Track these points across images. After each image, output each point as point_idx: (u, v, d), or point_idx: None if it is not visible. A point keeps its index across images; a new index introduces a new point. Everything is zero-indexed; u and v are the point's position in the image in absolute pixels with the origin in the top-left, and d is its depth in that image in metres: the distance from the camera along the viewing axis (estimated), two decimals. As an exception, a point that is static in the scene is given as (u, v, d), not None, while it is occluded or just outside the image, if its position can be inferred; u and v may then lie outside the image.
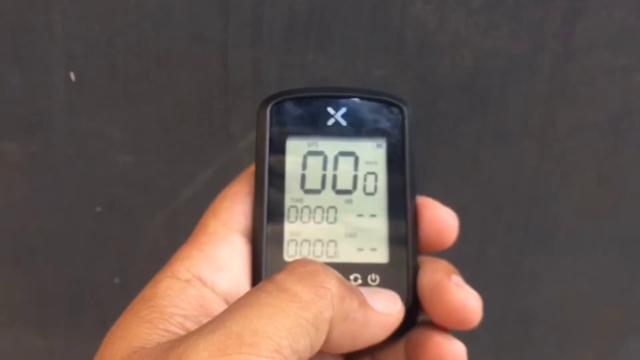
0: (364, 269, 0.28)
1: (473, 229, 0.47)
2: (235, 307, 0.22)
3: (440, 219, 0.28)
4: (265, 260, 0.28)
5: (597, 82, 0.43)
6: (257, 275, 0.28)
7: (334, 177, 0.29)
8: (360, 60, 0.42)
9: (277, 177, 0.29)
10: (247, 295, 0.22)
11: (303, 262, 0.24)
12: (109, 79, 0.41)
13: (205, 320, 0.23)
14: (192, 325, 0.24)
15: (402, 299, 0.27)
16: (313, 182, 0.29)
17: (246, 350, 0.20)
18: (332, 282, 0.23)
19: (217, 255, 0.27)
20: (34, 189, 0.44)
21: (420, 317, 0.29)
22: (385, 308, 0.25)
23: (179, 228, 0.46)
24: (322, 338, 0.22)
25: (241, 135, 0.43)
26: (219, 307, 0.26)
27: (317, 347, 0.22)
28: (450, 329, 0.27)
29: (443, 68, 0.42)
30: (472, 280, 0.48)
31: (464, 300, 0.26)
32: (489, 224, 0.48)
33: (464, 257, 0.47)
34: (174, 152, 0.44)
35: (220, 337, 0.20)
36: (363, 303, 0.24)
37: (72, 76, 0.41)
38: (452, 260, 0.47)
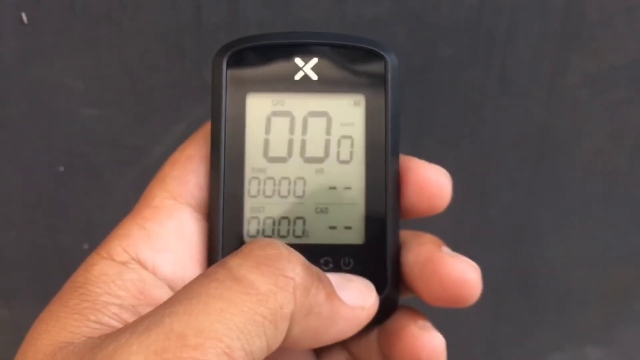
0: (337, 252, 0.25)
1: (474, 186, 0.46)
2: (178, 299, 0.19)
3: (430, 181, 0.25)
4: (221, 241, 0.25)
5: (615, 22, 0.41)
6: (212, 258, 0.25)
7: (303, 143, 0.26)
8: (350, -2, 0.40)
9: (236, 142, 0.25)
10: (193, 283, 0.19)
11: (262, 243, 0.21)
12: (65, 20, 0.39)
13: (144, 310, 0.21)
14: (129, 316, 0.22)
15: (380, 285, 0.24)
16: (278, 149, 0.26)
17: (188, 354, 0.17)
18: (295, 270, 0.20)
19: (161, 234, 0.24)
20: (-14, 148, 0.43)
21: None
22: (357, 301, 0.22)
23: (150, 189, 0.43)
24: (281, 337, 0.20)
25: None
26: (162, 294, 0.23)
27: (274, 347, 0.20)
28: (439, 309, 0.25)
29: (444, 6, 0.40)
30: (472, 242, 0.48)
31: (463, 272, 0.23)
32: (492, 182, 0.46)
33: (463, 218, 0.49)
34: (141, 104, 0.42)
35: (158, 336, 0.18)
36: (331, 295, 0.21)
37: (24, 17, 0.39)
38: (451, 222, 0.47)
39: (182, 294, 0.19)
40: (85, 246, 0.45)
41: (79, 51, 0.40)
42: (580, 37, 0.41)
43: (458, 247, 0.49)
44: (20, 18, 0.39)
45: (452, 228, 0.47)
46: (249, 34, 0.39)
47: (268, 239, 0.21)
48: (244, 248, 0.21)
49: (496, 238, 0.48)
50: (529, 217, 0.48)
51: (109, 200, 0.44)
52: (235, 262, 0.20)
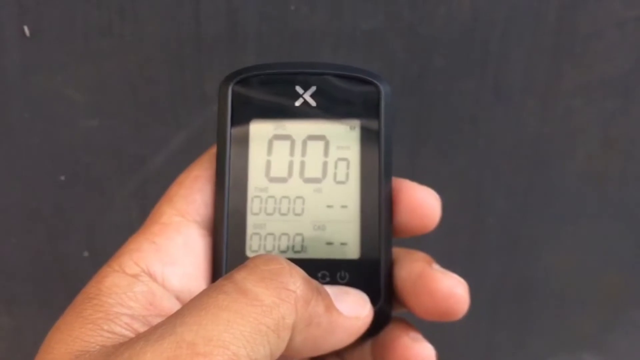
0: (333, 266, 0.26)
1: (470, 195, 0.46)
2: (189, 309, 0.20)
3: (420, 202, 0.27)
4: (225, 255, 0.26)
5: (607, 35, 0.41)
6: (217, 271, 0.26)
7: (302, 164, 0.27)
8: (347, 11, 0.39)
9: (240, 163, 0.27)
10: (202, 295, 0.21)
11: (266, 259, 0.22)
12: (67, 33, 0.39)
13: (154, 321, 0.22)
14: (140, 326, 0.22)
15: (374, 298, 0.25)
16: (279, 170, 0.27)
17: None
18: (297, 284, 0.21)
19: (170, 248, 0.25)
20: (-11, 157, 0.43)
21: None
22: (353, 311, 0.24)
23: (150, 197, 0.44)
24: (283, 345, 0.21)
25: (216, 95, 0.41)
26: (171, 305, 0.24)
27: (277, 356, 0.21)
28: (435, 321, 0.26)
29: (438, 19, 0.40)
30: (468, 250, 0.48)
31: (452, 288, 0.25)
32: (487, 190, 0.46)
33: (459, 226, 0.48)
34: (142, 115, 0.42)
35: (170, 345, 0.19)
36: (329, 306, 0.23)
37: (26, 30, 0.39)
38: (447, 230, 0.47)
39: (192, 306, 0.20)
40: (85, 254, 0.45)
41: (80, 63, 0.40)
42: (572, 49, 0.41)
43: (454, 255, 0.50)
44: (23, 30, 0.39)
45: (449, 236, 0.47)
46: (247, 46, 0.40)
47: (271, 255, 0.22)
48: (248, 263, 0.22)
49: (492, 246, 0.48)
50: (524, 225, 0.48)
51: (110, 208, 0.44)
52: (241, 276, 0.21)
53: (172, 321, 0.20)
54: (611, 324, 0.53)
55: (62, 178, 0.43)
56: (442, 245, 0.47)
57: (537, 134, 0.44)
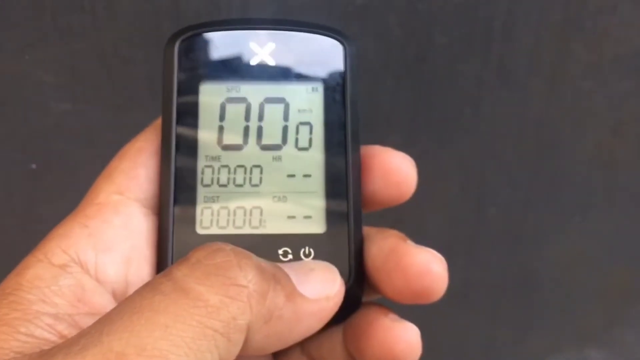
0: (296, 241, 0.25)
1: (471, 183, 0.46)
2: (118, 314, 0.18)
3: (395, 167, 0.25)
4: (172, 234, 0.24)
5: (619, 10, 0.41)
6: (162, 254, 0.24)
7: (259, 129, 0.26)
8: (339, -16, 0.39)
9: (188, 130, 0.25)
10: (135, 296, 0.18)
11: (209, 251, 0.20)
12: (35, 9, 0.38)
13: (83, 321, 0.20)
14: (64, 328, 0.20)
15: (343, 275, 0.23)
16: (233, 136, 0.26)
17: None
18: (248, 277, 0.19)
19: (106, 233, 0.23)
20: (-47, 145, 0.42)
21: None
22: (321, 291, 0.22)
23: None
24: (236, 349, 0.19)
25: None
26: (103, 301, 0.22)
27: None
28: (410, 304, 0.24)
29: None
30: (469, 241, 0.47)
31: (427, 263, 0.23)
32: (490, 178, 0.46)
33: (461, 216, 0.48)
34: (118, 97, 0.41)
35: (95, 357, 0.17)
36: (291, 294, 0.20)
37: None
38: (448, 221, 0.46)
39: (123, 309, 0.18)
40: (61, 249, 0.45)
41: (50, 41, 0.39)
42: (582, 26, 0.41)
43: (455, 247, 0.49)
44: (-14, 6, 0.38)
45: (449, 227, 0.47)
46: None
47: (215, 245, 0.20)
48: (190, 257, 0.20)
49: (494, 237, 0.48)
50: (528, 215, 0.48)
51: (85, 199, 0.43)
52: (182, 273, 0.19)
53: (98, 328, 0.17)
54: (617, 319, 0.53)
55: (33, 167, 0.42)
56: (442, 237, 0.47)
57: (544, 118, 0.44)
